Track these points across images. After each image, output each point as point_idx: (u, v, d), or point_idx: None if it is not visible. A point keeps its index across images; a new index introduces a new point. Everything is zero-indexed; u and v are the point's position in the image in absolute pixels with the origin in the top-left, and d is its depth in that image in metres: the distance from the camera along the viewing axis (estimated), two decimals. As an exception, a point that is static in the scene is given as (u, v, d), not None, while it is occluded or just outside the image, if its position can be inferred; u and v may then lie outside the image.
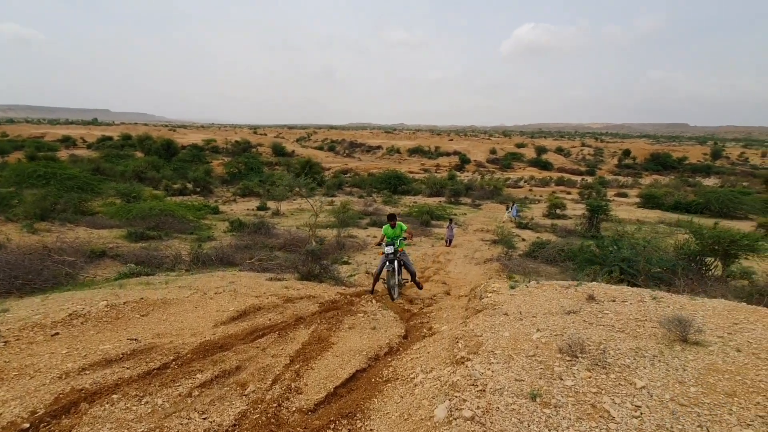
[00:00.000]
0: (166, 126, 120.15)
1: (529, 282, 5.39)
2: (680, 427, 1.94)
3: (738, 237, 13.36)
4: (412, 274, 7.71)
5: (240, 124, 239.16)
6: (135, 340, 3.91)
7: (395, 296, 6.92)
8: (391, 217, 7.47)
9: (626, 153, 79.88)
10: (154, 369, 3.33)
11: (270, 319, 4.68)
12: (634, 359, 2.57)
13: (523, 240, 19.02)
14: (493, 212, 29.09)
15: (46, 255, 9.81)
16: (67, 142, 64.77)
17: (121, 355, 3.58)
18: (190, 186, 33.20)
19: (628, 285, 10.58)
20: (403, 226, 7.50)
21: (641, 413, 2.03)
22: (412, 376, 3.20)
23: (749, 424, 1.93)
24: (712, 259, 13.61)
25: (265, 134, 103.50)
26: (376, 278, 7.26)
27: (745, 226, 22.68)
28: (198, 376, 3.20)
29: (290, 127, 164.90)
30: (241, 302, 5.23)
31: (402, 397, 2.85)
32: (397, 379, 3.27)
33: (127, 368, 3.34)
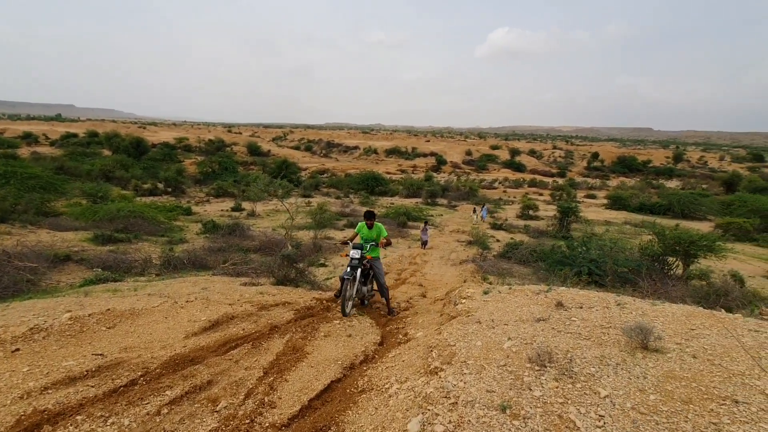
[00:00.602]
0: (136, 123, 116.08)
1: (502, 287, 5.51)
2: (640, 435, 2.03)
3: (697, 238, 14.10)
4: (382, 289, 6.48)
5: (214, 123, 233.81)
6: (101, 355, 3.76)
7: (348, 310, 5.71)
8: (369, 216, 6.34)
9: (595, 156, 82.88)
10: (120, 386, 3.21)
11: (243, 329, 4.60)
12: (599, 368, 2.67)
13: (498, 241, 19.42)
14: (469, 213, 29.56)
15: (6, 260, 9.30)
16: (29, 138, 61.61)
17: (86, 372, 3.44)
18: (161, 186, 32.21)
19: (596, 285, 11.00)
20: (382, 230, 6.42)
21: (604, 423, 2.12)
22: (386, 386, 3.22)
23: (703, 431, 2.04)
24: (674, 259, 14.32)
25: (240, 133, 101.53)
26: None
27: (704, 227, 23.94)
28: (167, 392, 3.12)
29: (266, 126, 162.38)
30: (214, 311, 5.11)
31: (376, 409, 2.87)
32: (372, 389, 3.28)
33: (92, 386, 3.21)
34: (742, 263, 17.87)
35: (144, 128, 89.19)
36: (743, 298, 8.35)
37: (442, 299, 7.15)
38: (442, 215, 28.81)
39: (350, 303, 5.91)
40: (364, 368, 3.91)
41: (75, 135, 65.96)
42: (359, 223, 6.53)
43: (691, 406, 2.26)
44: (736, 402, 2.26)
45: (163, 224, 17.73)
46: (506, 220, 25.75)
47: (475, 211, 26.62)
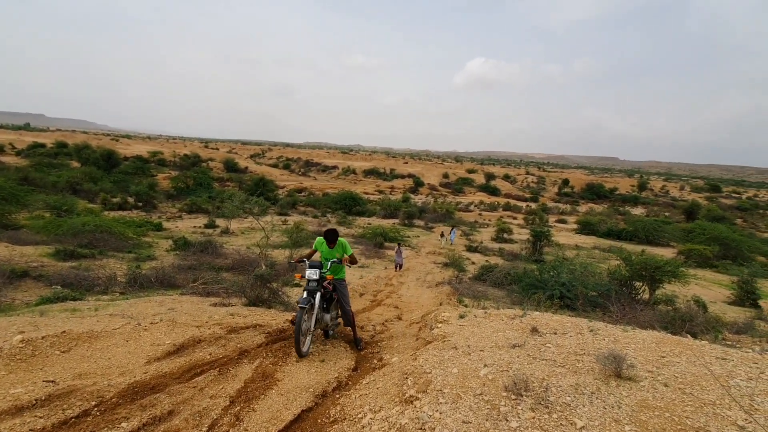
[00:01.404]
0: (109, 135, 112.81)
1: (478, 311, 5.50)
2: (616, 468, 2.01)
3: (662, 263, 14.67)
4: (347, 317, 5.41)
5: (190, 137, 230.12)
6: (52, 382, 3.48)
7: (305, 349, 4.63)
8: (331, 235, 5.28)
9: (565, 182, 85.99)
10: (71, 417, 2.96)
11: (211, 354, 4.38)
12: (574, 397, 2.66)
13: (473, 263, 19.61)
14: (445, 236, 29.81)
15: (-44, 275, 8.69)
16: (-7, 147, 58.75)
17: (35, 401, 3.16)
18: (131, 200, 31.17)
19: (568, 309, 11.17)
20: (346, 246, 5.40)
21: (581, 455, 2.09)
22: (360, 416, 3.10)
23: (676, 463, 2.04)
24: (641, 284, 14.80)
25: (217, 149, 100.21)
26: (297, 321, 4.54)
27: (667, 253, 24.95)
28: (123, 424, 2.89)
29: (244, 143, 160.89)
30: (180, 334, 4.86)
31: (349, 440, 2.75)
32: (345, 419, 3.15)
33: (40, 417, 2.95)
34: (704, 289, 18.64)
35: (117, 140, 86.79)
36: (707, 323, 8.66)
37: (418, 322, 7.06)
38: (418, 236, 28.95)
39: (308, 338, 4.85)
40: (337, 396, 3.77)
41: (43, 145, 63.37)
42: (318, 238, 5.47)
43: (665, 436, 2.26)
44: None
45: (131, 240, 17.07)
46: (481, 242, 26.10)
47: (443, 234, 25.88)
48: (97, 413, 3.05)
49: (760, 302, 15.86)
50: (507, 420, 2.41)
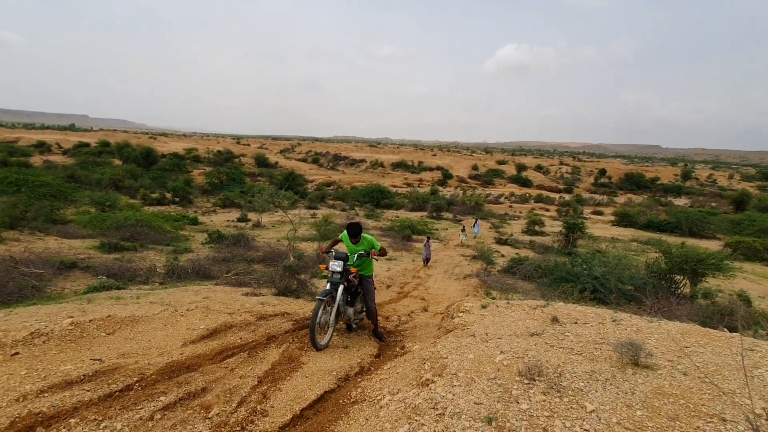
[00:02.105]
0: (147, 134, 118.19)
1: (500, 301, 5.51)
2: (624, 450, 2.04)
3: (704, 256, 13.97)
4: (370, 313, 5.33)
5: (223, 134, 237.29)
6: (98, 360, 3.82)
7: (322, 342, 4.57)
8: (353, 229, 5.08)
9: (602, 172, 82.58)
10: (116, 391, 3.26)
11: (241, 338, 4.64)
12: (588, 382, 2.67)
13: (503, 256, 19.35)
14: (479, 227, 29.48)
15: (12, 266, 9.47)
16: (42, 147, 62.99)
17: (83, 377, 3.50)
18: (168, 196, 32.64)
19: (600, 303, 10.90)
20: (373, 241, 5.19)
21: (589, 437, 2.13)
22: (379, 397, 3.23)
23: (688, 447, 2.04)
24: (681, 278, 14.15)
25: (249, 145, 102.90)
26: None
27: (713, 245, 23.64)
28: (161, 398, 3.16)
29: (274, 138, 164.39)
30: (213, 320, 5.17)
31: (367, 419, 2.88)
32: (365, 400, 3.29)
33: (88, 390, 3.27)
34: (752, 283, 17.59)
35: (155, 139, 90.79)
36: (749, 318, 8.23)
37: (442, 313, 7.13)
38: (447, 229, 28.78)
39: (329, 331, 4.75)
40: (359, 379, 3.92)
41: (87, 144, 67.28)
42: (344, 231, 5.30)
43: (678, 422, 2.25)
44: (724, 420, 2.25)
45: (169, 233, 17.94)
46: (512, 235, 25.65)
47: (464, 229, 22.58)
48: (139, 388, 3.34)
49: (815, 298, 14.81)
50: (518, 402, 2.46)
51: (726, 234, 28.09)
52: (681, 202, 54.14)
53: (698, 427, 2.21)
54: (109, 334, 4.53)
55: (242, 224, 23.78)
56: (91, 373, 3.57)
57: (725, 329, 6.19)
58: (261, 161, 69.99)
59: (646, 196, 59.10)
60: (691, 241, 24.35)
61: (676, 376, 2.74)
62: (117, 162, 49.27)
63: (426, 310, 8.94)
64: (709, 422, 2.23)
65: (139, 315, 5.15)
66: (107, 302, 6.52)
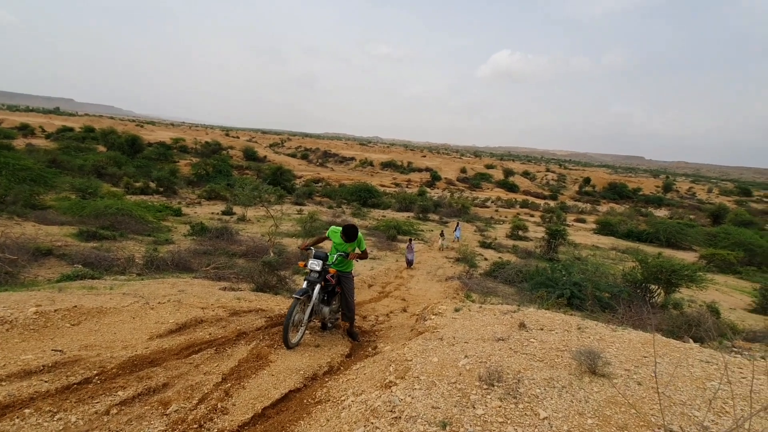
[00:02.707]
0: (134, 121, 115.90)
1: (473, 305, 5.56)
2: (570, 458, 2.08)
3: (678, 267, 14.33)
4: (348, 311, 5.33)
5: (212, 125, 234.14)
6: (60, 351, 3.74)
7: (294, 340, 4.54)
8: (350, 231, 5.05)
9: (587, 181, 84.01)
10: (74, 383, 3.20)
11: (210, 334, 4.59)
12: (545, 389, 2.72)
13: (486, 259, 19.54)
14: (460, 231, 29.65)
15: (-14, 251, 9.20)
16: (25, 130, 61.27)
17: (42, 367, 3.42)
18: (153, 185, 32.05)
19: (576, 309, 11.07)
20: (361, 241, 5.22)
21: (539, 444, 2.17)
22: (342, 398, 3.24)
23: (632, 456, 2.09)
24: (656, 287, 14.50)
25: (238, 137, 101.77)
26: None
27: (689, 257, 24.25)
28: (120, 393, 3.11)
29: (264, 132, 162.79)
30: (184, 314, 5.10)
31: (328, 420, 2.88)
32: (329, 401, 3.29)
33: (46, 381, 3.20)
34: (725, 295, 18.10)
35: (141, 126, 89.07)
36: (716, 329, 8.47)
37: (417, 315, 7.17)
38: (432, 231, 28.91)
39: (300, 330, 4.68)
40: (326, 379, 3.92)
41: (71, 129, 65.67)
42: (331, 227, 5.33)
43: None
44: (671, 431, 2.31)
45: (150, 224, 17.63)
46: (495, 239, 25.91)
47: (442, 234, 21.24)
48: (98, 381, 3.28)
49: (783, 311, 15.32)
50: (474, 408, 2.49)
51: (702, 246, 28.87)
52: (661, 213, 55.35)
53: (645, 436, 2.26)
54: (74, 324, 4.44)
55: (227, 217, 23.51)
56: (51, 364, 3.49)
57: (690, 339, 6.36)
58: (249, 154, 69.26)
59: (627, 206, 60.27)
60: (668, 252, 24.96)
61: (631, 386, 2.81)
62: (101, 148, 48.15)
63: (405, 311, 8.98)
64: (656, 432, 2.29)
65: (108, 306, 5.05)
66: (79, 292, 6.38)
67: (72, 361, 3.54)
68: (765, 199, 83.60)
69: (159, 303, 5.52)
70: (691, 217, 50.01)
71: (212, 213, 24.84)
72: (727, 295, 18.15)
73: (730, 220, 42.36)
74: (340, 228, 5.17)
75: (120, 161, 37.50)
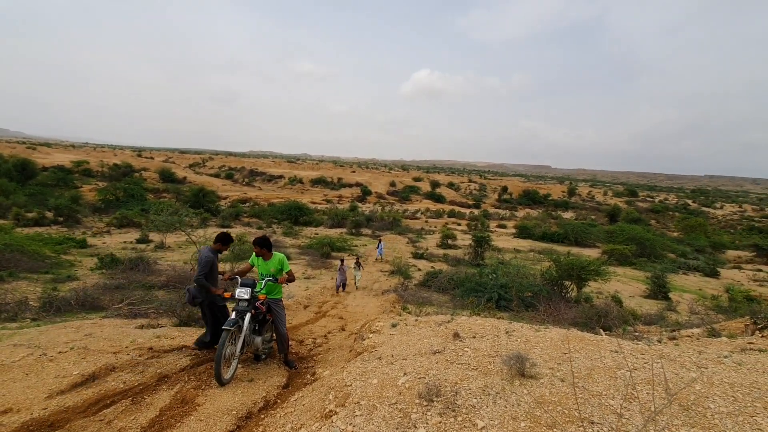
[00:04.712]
0: (23, 143, 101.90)
1: (410, 318, 5.65)
2: (507, 464, 2.17)
3: (586, 264, 15.93)
4: (281, 340, 5.08)
5: (121, 146, 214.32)
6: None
7: (227, 376, 4.26)
8: (262, 243, 4.83)
9: (504, 189, 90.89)
10: (-53, 467, 2.65)
11: (125, 382, 4.10)
12: (481, 398, 2.83)
13: (419, 270, 20.02)
14: (393, 243, 30.14)
15: None
16: None
17: None
18: (50, 215, 28.34)
19: (505, 311, 11.76)
20: (284, 261, 5.00)
21: (478, 455, 2.23)
22: (281, 435, 3.07)
23: (561, 453, 2.24)
24: (570, 283, 15.96)
25: (152, 158, 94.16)
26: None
27: (593, 253, 27.10)
28: (10, 469, 2.64)
29: (182, 152, 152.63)
30: (91, 363, 4.50)
31: (266, 461, 2.71)
32: (265, 440, 3.10)
33: None
34: (624, 284, 20.45)
35: (34, 149, 78.67)
36: (620, 317, 9.52)
37: (356, 333, 7.09)
38: (366, 245, 29.03)
39: (233, 364, 4.40)
40: (262, 416, 3.69)
41: (-61, 154, 55.88)
42: (253, 254, 5.09)
43: (555, 429, 2.48)
44: (592, 423, 2.52)
45: (48, 259, 15.56)
46: (427, 249, 26.73)
47: (358, 264, 16.00)
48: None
49: (670, 295, 17.70)
50: (416, 427, 2.51)
51: (603, 242, 32.52)
52: (568, 215, 61.50)
53: (572, 431, 2.44)
54: (-54, 391, 3.69)
55: (142, 246, 21.49)
56: None
57: (601, 330, 7.07)
58: (166, 176, 64.36)
59: (540, 211, 66.11)
60: (576, 250, 27.69)
61: (555, 384, 3.03)
62: (-20, 176, 41.64)
63: (343, 329, 8.84)
64: (580, 427, 2.48)
65: (-6, 363, 4.30)
66: (-47, 349, 5.35)
67: (-57, 438, 2.94)
68: (648, 199, 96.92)
69: (60, 352, 4.82)
70: (593, 217, 56.33)
71: (125, 242, 22.57)
72: (627, 285, 20.55)
73: (623, 218, 48.43)
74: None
75: (7, 189, 32.80)
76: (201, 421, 3.46)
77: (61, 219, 28.10)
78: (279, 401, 4.12)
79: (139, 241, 22.61)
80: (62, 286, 11.96)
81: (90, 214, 32.29)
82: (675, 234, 45.53)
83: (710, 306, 14.60)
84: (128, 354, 4.95)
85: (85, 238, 22.18)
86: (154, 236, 23.21)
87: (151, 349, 5.28)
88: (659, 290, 17.75)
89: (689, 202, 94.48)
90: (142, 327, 7.07)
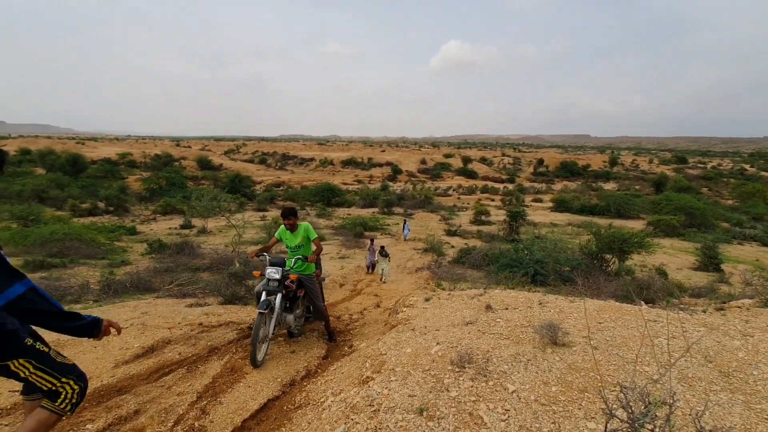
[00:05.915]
0: (73, 139, 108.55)
1: (443, 293, 5.74)
2: (538, 425, 2.24)
3: (628, 236, 15.33)
4: (319, 314, 5.17)
5: (161, 136, 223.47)
6: (17, 391, 3.53)
7: (261, 357, 4.25)
8: (289, 214, 4.77)
9: (540, 162, 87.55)
10: (37, 424, 3.04)
11: (180, 353, 4.47)
12: (512, 365, 2.89)
13: (452, 247, 20.00)
14: (425, 221, 30.13)
15: None
16: (-53, 159, 55.83)
17: (1, 411, 3.22)
18: (101, 205, 30.34)
19: (541, 285, 11.60)
20: (310, 230, 4.90)
21: (509, 416, 2.32)
22: (322, 400, 3.28)
23: (593, 417, 2.28)
24: (611, 256, 15.44)
25: (190, 147, 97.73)
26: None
27: (638, 225, 25.92)
28: (88, 426, 2.99)
29: (217, 139, 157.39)
30: (150, 336, 4.93)
31: (309, 423, 2.91)
32: (309, 404, 3.32)
33: (6, 425, 3.03)
34: (671, 257, 19.53)
35: (83, 144, 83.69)
36: (665, 289, 9.19)
37: (390, 309, 7.28)
38: (398, 224, 29.21)
39: (264, 346, 4.38)
40: (305, 383, 3.94)
41: (2, 153, 60.54)
42: (280, 228, 4.97)
43: (586, 394, 2.51)
44: (625, 388, 2.52)
45: (103, 246, 16.77)
46: (460, 226, 26.55)
47: (384, 254, 13.64)
48: (63, 418, 3.13)
49: (723, 266, 16.75)
50: (448, 390, 2.61)
51: (648, 214, 30.97)
52: (610, 186, 58.73)
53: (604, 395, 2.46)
54: (29, 362, 4.18)
55: (186, 231, 22.68)
56: (9, 407, 3.30)
57: (642, 302, 6.87)
58: (204, 164, 66.82)
59: (579, 183, 63.46)
60: (618, 222, 26.57)
61: (588, 351, 3.04)
62: (40, 171, 44.91)
63: (378, 306, 9.08)
64: (612, 391, 2.50)
65: (66, 338, 4.79)
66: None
67: (32, 400, 3.36)
68: (699, 165, 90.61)
69: (121, 328, 5.29)
70: (637, 187, 53.45)
71: (170, 228, 23.87)
72: (674, 257, 19.62)
73: (670, 187, 45.68)
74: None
75: (62, 183, 35.22)
76: (249, 387, 3.75)
77: (111, 208, 30.01)
78: (319, 370, 4.37)
79: (182, 227, 23.84)
80: (117, 270, 12.91)
81: (137, 202, 34.23)
82: (730, 202, 42.60)
83: (767, 277, 13.73)
84: (181, 329, 5.36)
85: (134, 225, 23.63)
86: (197, 222, 24.38)
87: (201, 324, 5.68)
88: (710, 262, 16.84)
89: (746, 166, 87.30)
90: (191, 305, 7.58)
